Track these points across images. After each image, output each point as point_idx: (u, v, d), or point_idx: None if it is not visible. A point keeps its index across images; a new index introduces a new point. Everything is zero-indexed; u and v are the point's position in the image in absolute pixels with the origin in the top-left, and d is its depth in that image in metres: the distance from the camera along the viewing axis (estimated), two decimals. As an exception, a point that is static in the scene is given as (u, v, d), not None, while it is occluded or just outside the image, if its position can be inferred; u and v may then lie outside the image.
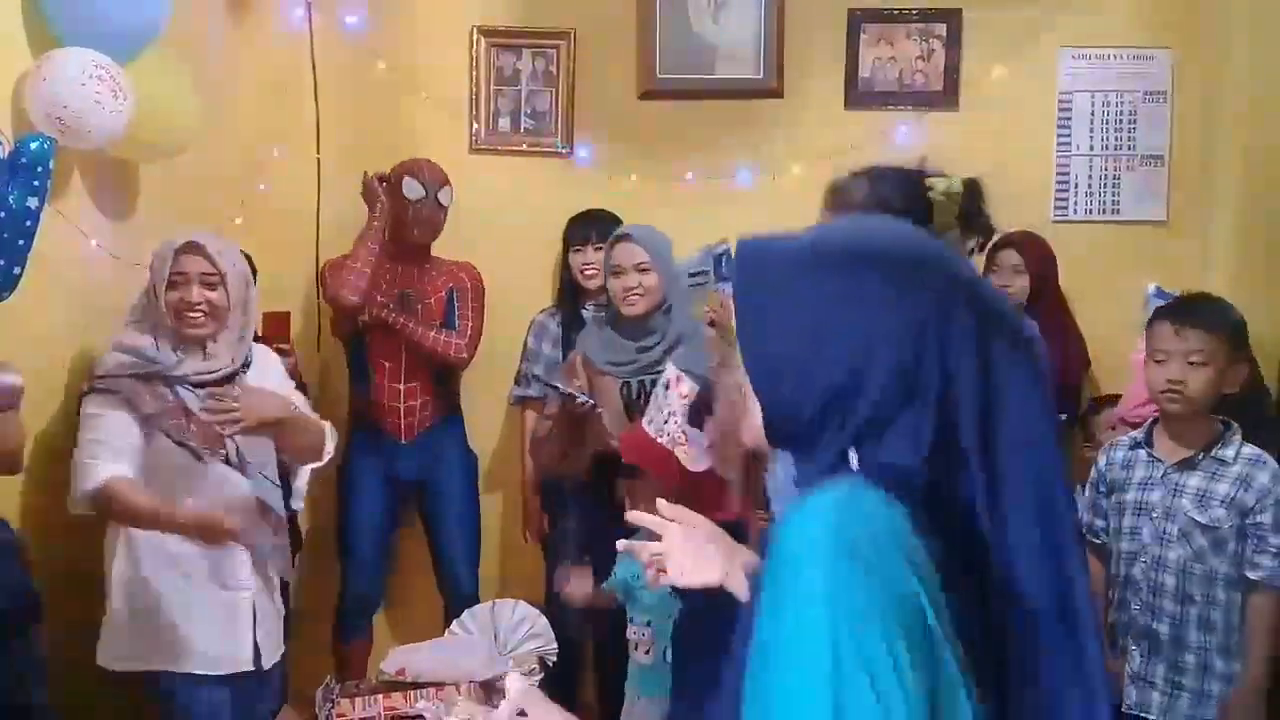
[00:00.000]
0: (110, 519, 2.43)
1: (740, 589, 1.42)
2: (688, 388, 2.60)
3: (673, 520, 1.53)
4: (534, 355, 3.59)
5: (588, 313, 3.56)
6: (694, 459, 2.55)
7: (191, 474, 2.46)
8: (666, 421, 2.59)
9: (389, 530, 3.63)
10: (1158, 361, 2.42)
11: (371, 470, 3.53)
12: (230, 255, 2.57)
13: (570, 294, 3.62)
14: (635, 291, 3.06)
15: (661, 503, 1.58)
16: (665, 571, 1.50)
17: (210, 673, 2.49)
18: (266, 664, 2.60)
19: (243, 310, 2.56)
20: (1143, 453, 2.50)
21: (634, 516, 1.60)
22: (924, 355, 1.01)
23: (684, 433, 2.56)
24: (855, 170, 1.96)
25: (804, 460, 1.08)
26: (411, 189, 3.44)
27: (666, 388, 2.64)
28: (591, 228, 3.57)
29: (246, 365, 2.59)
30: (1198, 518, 2.37)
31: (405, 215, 3.45)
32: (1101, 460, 2.60)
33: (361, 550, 3.56)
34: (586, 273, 3.54)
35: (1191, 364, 2.36)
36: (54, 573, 2.46)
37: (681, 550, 1.48)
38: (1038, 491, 1.01)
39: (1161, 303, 2.81)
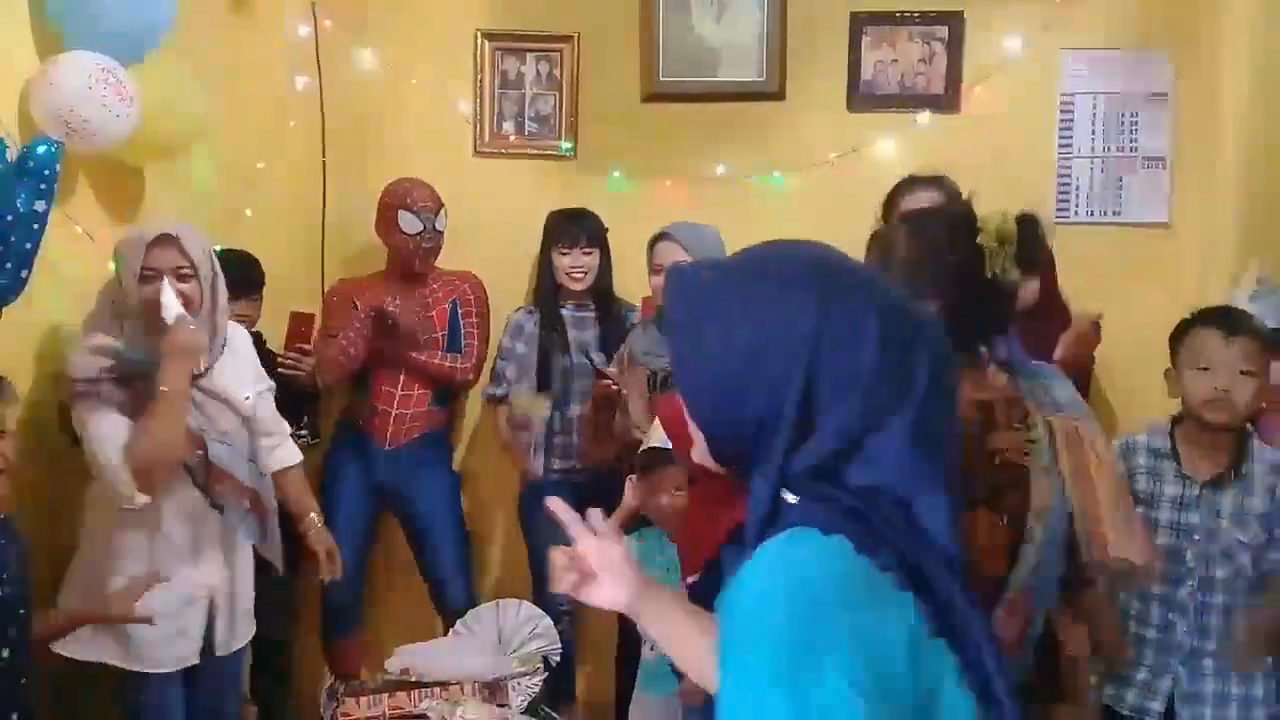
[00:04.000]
0: (154, 482, 2.42)
1: (644, 621, 1.40)
2: None
3: (594, 531, 1.43)
4: (508, 353, 3.56)
5: (566, 312, 3.54)
6: None
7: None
8: None
9: (367, 535, 3.61)
10: (1202, 369, 2.34)
11: (352, 474, 3.53)
12: (200, 242, 2.52)
13: (550, 293, 3.56)
14: None
15: (593, 512, 1.45)
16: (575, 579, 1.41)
17: (155, 670, 2.50)
18: (221, 651, 2.61)
19: (213, 298, 2.53)
20: (1170, 466, 2.43)
21: (556, 506, 1.46)
22: (838, 367, 1.05)
23: None
24: (899, 218, 1.84)
25: (748, 493, 1.10)
26: (409, 223, 3.43)
27: None
28: (581, 228, 3.52)
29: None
30: (1241, 537, 2.34)
31: (407, 249, 3.46)
32: (1120, 467, 2.46)
33: (342, 549, 3.55)
34: (574, 275, 3.50)
35: (1241, 374, 2.31)
36: (51, 564, 2.49)
37: (595, 563, 1.39)
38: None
39: (1270, 303, 2.73)
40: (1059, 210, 3.77)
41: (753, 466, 1.09)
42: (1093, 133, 3.75)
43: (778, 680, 0.96)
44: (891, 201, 2.72)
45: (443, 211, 3.48)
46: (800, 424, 1.06)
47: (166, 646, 2.50)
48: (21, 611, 2.08)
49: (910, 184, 2.67)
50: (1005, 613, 1.61)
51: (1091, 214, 3.77)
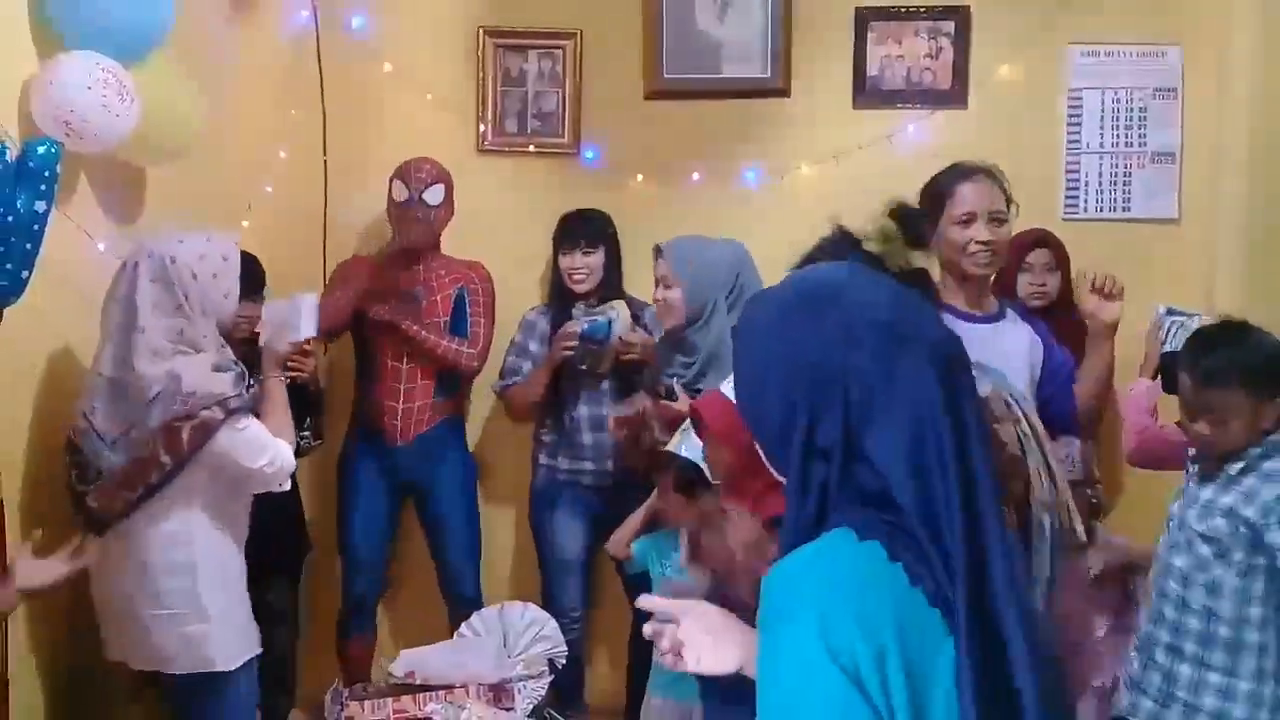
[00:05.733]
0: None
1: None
2: None
3: (683, 609, 1.46)
4: (521, 350, 3.56)
5: (578, 311, 3.53)
6: None
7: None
8: None
9: (388, 531, 3.64)
10: (1188, 411, 2.38)
11: (370, 471, 3.54)
12: None
13: (560, 294, 3.58)
14: (660, 307, 3.06)
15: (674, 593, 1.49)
16: (682, 656, 1.42)
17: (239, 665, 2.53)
18: None
19: None
20: (1193, 466, 2.47)
21: (646, 602, 1.48)
22: (831, 379, 1.14)
23: None
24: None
25: (791, 494, 1.18)
26: (399, 191, 3.46)
27: None
28: (580, 231, 3.53)
29: None
30: (1195, 526, 2.33)
31: (397, 218, 3.46)
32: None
33: (360, 551, 3.57)
34: (574, 277, 3.51)
35: (1213, 421, 2.31)
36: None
37: (698, 637, 1.41)
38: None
39: (1174, 321, 2.76)
40: (1067, 205, 3.74)
41: (789, 476, 1.19)
42: (1101, 128, 3.72)
43: (788, 659, 1.06)
44: (934, 189, 2.66)
45: (438, 186, 3.47)
46: (810, 437, 1.15)
47: (250, 638, 2.56)
48: None
49: (953, 172, 2.65)
50: None
51: (1100, 209, 3.74)
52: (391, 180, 3.47)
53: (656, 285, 3.09)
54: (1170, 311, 2.84)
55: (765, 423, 1.21)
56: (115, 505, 2.40)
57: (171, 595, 2.42)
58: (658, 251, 3.10)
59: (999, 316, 2.68)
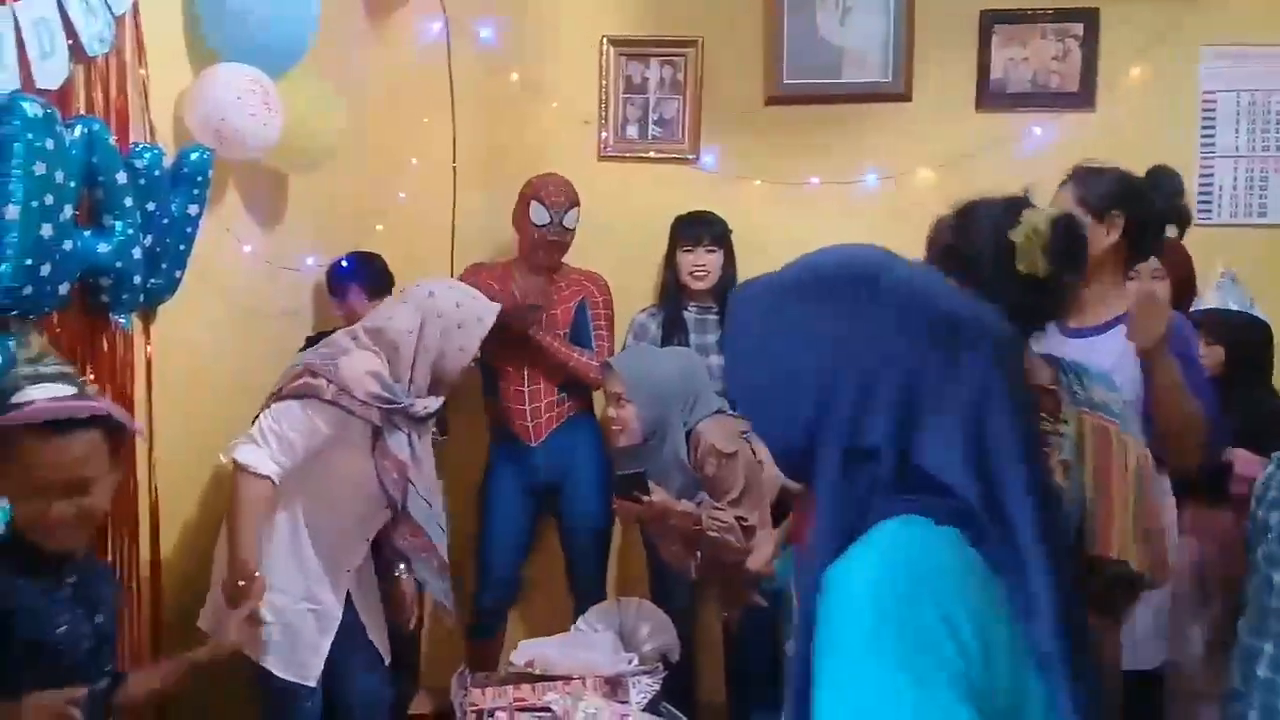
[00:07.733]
0: (232, 491, 2.44)
1: None
2: None
3: None
4: None
5: (690, 314, 3.57)
6: None
7: (374, 504, 2.59)
8: None
9: (524, 546, 3.69)
10: None
11: (509, 481, 3.60)
12: None
13: (673, 294, 3.62)
14: (614, 425, 2.99)
15: None
16: None
17: (304, 683, 2.56)
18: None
19: None
20: None
21: None
22: (881, 371, 1.04)
23: None
24: (957, 207, 1.77)
25: (827, 496, 1.06)
26: (538, 214, 3.49)
27: None
28: (704, 229, 3.58)
29: None
30: None
31: (532, 239, 3.51)
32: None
33: (496, 561, 3.62)
34: (696, 274, 3.56)
35: None
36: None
37: None
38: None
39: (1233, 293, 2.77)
40: (1200, 211, 3.62)
41: (818, 480, 1.07)
42: (1236, 131, 3.61)
43: (884, 665, 0.94)
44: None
45: (575, 210, 3.53)
46: (856, 426, 1.04)
47: (314, 659, 2.57)
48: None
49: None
50: None
51: (1235, 215, 3.63)
52: (529, 200, 3.50)
53: (608, 402, 3.03)
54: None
55: (789, 424, 1.08)
56: None
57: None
58: (607, 367, 3.05)
59: (1099, 330, 2.52)
